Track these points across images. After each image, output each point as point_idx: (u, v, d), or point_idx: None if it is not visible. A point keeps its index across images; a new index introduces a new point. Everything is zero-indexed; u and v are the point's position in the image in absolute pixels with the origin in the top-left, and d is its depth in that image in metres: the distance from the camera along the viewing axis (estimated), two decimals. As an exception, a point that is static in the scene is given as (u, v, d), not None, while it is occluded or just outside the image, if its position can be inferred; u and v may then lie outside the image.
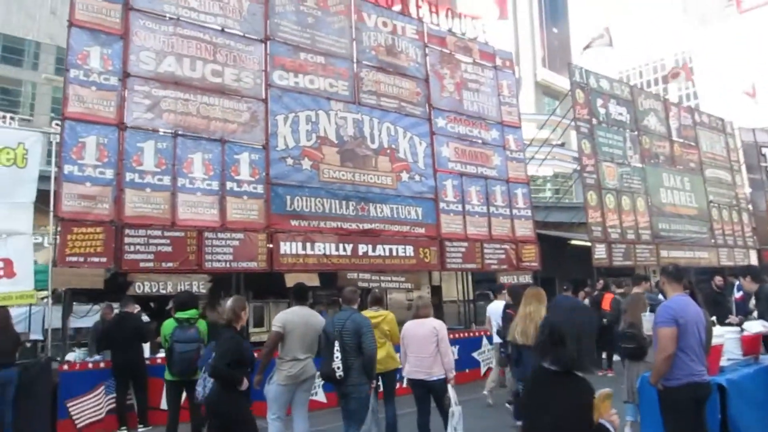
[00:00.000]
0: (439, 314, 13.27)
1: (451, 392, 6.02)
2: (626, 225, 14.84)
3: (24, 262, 7.59)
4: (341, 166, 10.38)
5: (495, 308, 8.68)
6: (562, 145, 24.89)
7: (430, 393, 6.02)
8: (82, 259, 7.69)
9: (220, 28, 9.51)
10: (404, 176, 11.16)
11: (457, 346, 10.18)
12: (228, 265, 8.80)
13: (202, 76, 9.20)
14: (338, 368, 5.65)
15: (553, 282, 14.47)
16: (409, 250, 10.85)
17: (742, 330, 5.97)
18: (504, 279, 12.32)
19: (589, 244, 13.93)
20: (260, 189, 9.37)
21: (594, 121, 14.95)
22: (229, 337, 4.84)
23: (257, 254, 9.08)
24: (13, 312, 7.90)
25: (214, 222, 8.81)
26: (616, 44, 21.51)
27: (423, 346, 6.05)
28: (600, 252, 13.92)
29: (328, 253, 9.80)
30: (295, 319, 5.57)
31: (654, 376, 4.32)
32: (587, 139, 14.59)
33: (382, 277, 10.48)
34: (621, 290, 10.59)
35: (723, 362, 5.36)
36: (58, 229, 7.64)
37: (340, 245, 9.98)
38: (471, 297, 13.13)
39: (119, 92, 8.41)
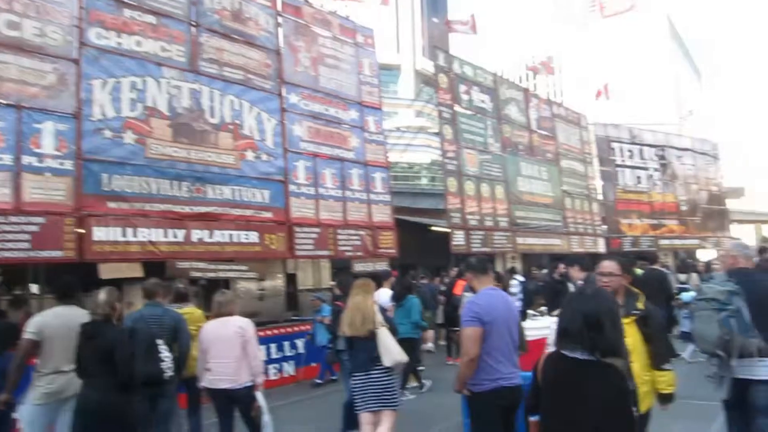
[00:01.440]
0: (293, 305, 12.60)
1: (261, 400, 5.35)
2: (485, 212, 14.97)
3: None
4: (173, 141, 9.22)
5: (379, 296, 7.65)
6: (437, 134, 25.08)
7: (233, 403, 5.28)
8: None
9: (18, -29, 7.95)
10: (249, 155, 10.22)
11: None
12: (24, 254, 7.40)
13: (-8, 27, 7.64)
14: (169, 368, 4.95)
15: (414, 269, 14.31)
16: (253, 236, 9.96)
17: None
18: (360, 266, 11.86)
19: (449, 230, 13.86)
20: (69, 165, 7.99)
21: (456, 107, 14.85)
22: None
23: (63, 241, 7.75)
24: None
25: (5, 203, 7.35)
26: (490, 40, 21.88)
27: (226, 350, 5.28)
28: (458, 239, 13.91)
29: (154, 239, 8.66)
30: (55, 322, 4.56)
31: (458, 382, 3.88)
32: (449, 125, 14.46)
33: (221, 266, 9.56)
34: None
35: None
36: None
37: (170, 231, 8.87)
38: (329, 285, 12.54)
39: None
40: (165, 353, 5.08)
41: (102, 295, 4.88)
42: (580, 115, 20.34)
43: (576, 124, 19.90)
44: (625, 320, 2.98)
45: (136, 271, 8.50)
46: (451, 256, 13.74)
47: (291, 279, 12.96)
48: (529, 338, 5.29)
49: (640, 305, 3.52)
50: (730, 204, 27.37)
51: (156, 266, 8.82)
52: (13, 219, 7.35)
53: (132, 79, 8.88)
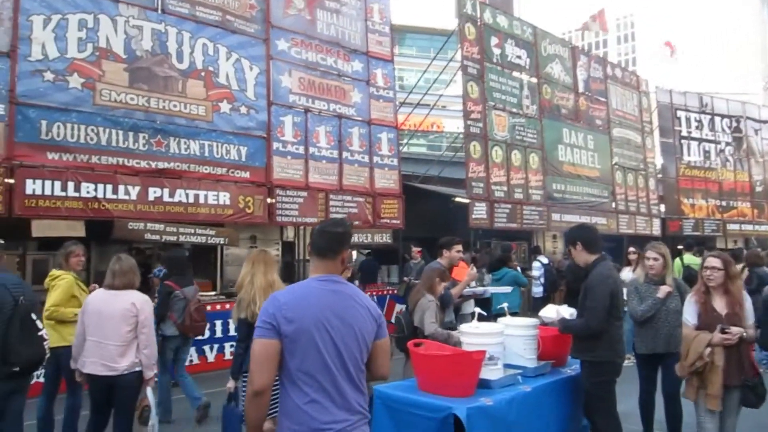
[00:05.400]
0: (291, 277, 11.49)
1: (150, 397, 4.30)
2: (515, 183, 13.26)
3: None
4: (130, 87, 8.21)
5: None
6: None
7: (111, 395, 4.21)
8: None
9: None
10: (224, 107, 9.10)
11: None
12: (-62, 204, 6.66)
13: None
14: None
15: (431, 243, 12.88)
16: (224, 198, 8.90)
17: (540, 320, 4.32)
18: (355, 237, 10.57)
19: (467, 201, 12.30)
20: (0, 109, 7.16)
21: (486, 63, 13.09)
22: None
23: (-11, 194, 6.95)
24: None
25: None
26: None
27: (111, 329, 4.22)
28: (479, 211, 12.32)
29: (100, 196, 7.72)
30: None
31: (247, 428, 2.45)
32: (475, 81, 12.74)
33: (182, 229, 8.53)
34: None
35: (491, 374, 3.66)
36: None
37: (121, 187, 7.91)
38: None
39: None
40: (43, 329, 4.06)
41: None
42: (640, 78, 17.91)
43: (634, 88, 17.52)
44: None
45: (76, 230, 7.60)
46: (471, 231, 12.19)
47: (288, 248, 11.85)
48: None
49: None
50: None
51: (102, 225, 7.94)
52: (-73, 167, 6.58)
53: (81, 17, 7.89)
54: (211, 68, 9.02)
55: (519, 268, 9.66)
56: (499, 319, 4.22)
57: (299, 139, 9.93)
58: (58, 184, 7.41)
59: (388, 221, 11.00)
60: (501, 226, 12.78)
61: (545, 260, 11.34)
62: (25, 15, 7.44)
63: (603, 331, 3.85)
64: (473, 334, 3.78)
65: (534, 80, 14.27)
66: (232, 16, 9.36)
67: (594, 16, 17.08)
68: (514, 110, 13.61)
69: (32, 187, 7.24)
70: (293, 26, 10.13)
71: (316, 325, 2.28)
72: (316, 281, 2.42)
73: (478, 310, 4.28)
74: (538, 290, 11.07)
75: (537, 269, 11.12)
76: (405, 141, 16.70)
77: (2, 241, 4.51)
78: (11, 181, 7.10)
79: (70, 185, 7.51)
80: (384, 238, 11.03)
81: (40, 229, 7.46)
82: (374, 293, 10.68)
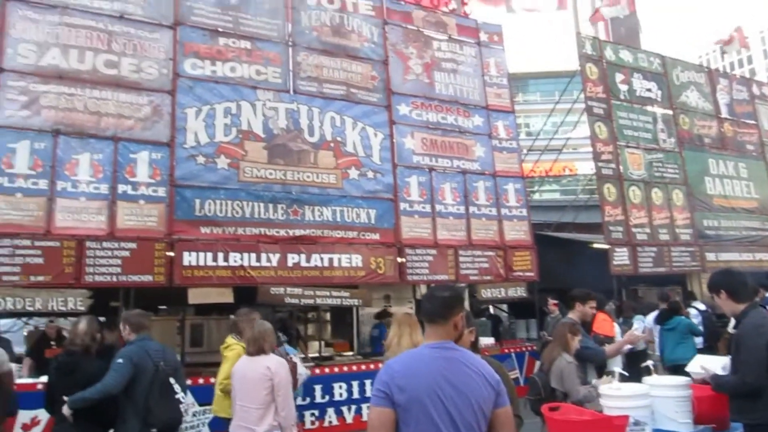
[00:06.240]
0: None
1: None
2: (658, 223, 12.30)
3: None
4: (269, 163, 8.97)
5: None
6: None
7: None
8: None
9: (117, 15, 8.44)
10: (352, 173, 9.57)
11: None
12: (115, 278, 7.62)
13: (93, 68, 8.14)
14: (185, 411, 4.62)
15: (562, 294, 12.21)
16: (357, 260, 9.21)
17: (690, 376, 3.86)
18: (488, 292, 10.36)
19: (606, 246, 11.59)
20: (162, 192, 8.15)
21: (613, 101, 12.57)
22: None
23: (153, 266, 7.84)
24: None
25: (100, 230, 7.67)
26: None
27: (252, 393, 4.53)
28: (621, 257, 11.54)
29: (246, 264, 8.39)
30: None
31: None
32: (602, 121, 12.25)
33: (318, 292, 8.92)
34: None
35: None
36: None
37: (263, 255, 8.54)
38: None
39: (-10, 90, 7.52)
40: (180, 393, 4.50)
41: (81, 324, 4.53)
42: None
43: (791, 107, 15.73)
44: None
45: (226, 296, 8.28)
46: (610, 277, 11.42)
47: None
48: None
49: None
50: None
51: (248, 291, 8.56)
52: (106, 245, 7.62)
53: (226, 105, 8.87)
54: (339, 138, 9.60)
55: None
56: (645, 378, 3.85)
57: (425, 197, 10.11)
58: (210, 255, 8.18)
59: (522, 274, 10.65)
60: (647, 270, 11.84)
61: (702, 306, 10.20)
62: (181, 108, 8.53)
63: (762, 387, 3.31)
64: (615, 397, 3.47)
65: (669, 112, 13.39)
66: (355, 89, 9.97)
67: (731, 36, 15.80)
68: (650, 146, 12.80)
69: (188, 258, 8.05)
70: (413, 90, 10.53)
71: (428, 394, 2.22)
72: (428, 348, 2.37)
73: (618, 369, 3.94)
74: (697, 341, 9.94)
75: (694, 317, 10.02)
76: (536, 188, 16.32)
77: (146, 311, 5.03)
78: (171, 254, 7.96)
79: (220, 255, 8.24)
80: (518, 292, 10.67)
81: (195, 296, 8.23)
82: (512, 350, 10.30)
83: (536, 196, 14.60)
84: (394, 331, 4.61)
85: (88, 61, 8.15)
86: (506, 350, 10.26)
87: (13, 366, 5.78)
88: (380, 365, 4.27)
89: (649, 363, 4.01)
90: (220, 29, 9.11)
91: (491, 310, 14.59)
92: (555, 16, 39.94)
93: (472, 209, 10.53)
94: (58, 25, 8.08)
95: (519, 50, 20.83)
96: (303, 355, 8.47)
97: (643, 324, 9.10)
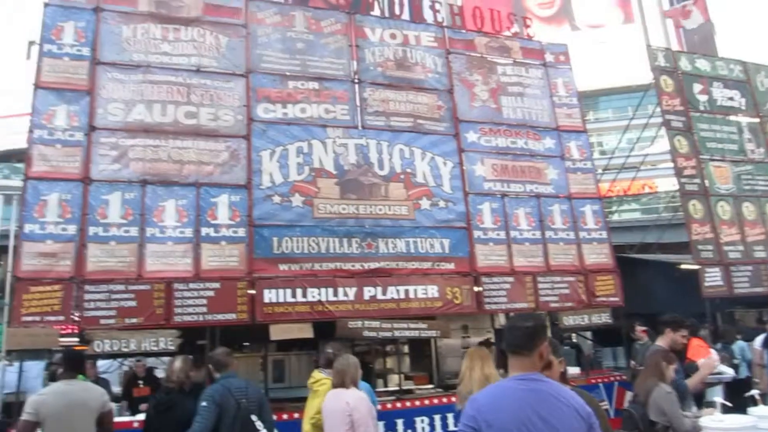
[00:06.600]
0: (503, 364, 11.17)
1: None
2: (752, 240, 11.50)
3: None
4: (341, 198, 9.13)
5: None
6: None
7: None
8: (38, 318, 7.31)
9: (194, 69, 8.97)
10: (424, 203, 9.57)
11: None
12: (201, 318, 7.91)
13: (175, 120, 8.64)
14: None
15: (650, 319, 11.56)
16: (433, 291, 9.14)
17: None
18: (570, 320, 9.98)
19: (695, 267, 10.93)
20: (241, 232, 8.46)
21: (692, 113, 11.99)
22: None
23: (236, 304, 8.11)
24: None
25: (187, 272, 8.03)
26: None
27: (336, 427, 4.58)
28: (713, 277, 10.83)
29: (323, 299, 8.51)
30: (54, 401, 4.35)
31: None
32: (682, 135, 11.69)
33: (395, 325, 8.89)
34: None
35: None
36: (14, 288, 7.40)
37: (340, 289, 8.64)
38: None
39: (84, 147, 8.12)
40: (263, 430, 4.60)
41: (177, 363, 4.71)
42: None
43: None
44: None
45: (306, 331, 8.42)
46: (701, 300, 10.72)
47: (502, 335, 11.58)
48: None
49: None
50: None
51: (327, 325, 8.65)
52: (193, 285, 7.96)
53: (298, 145, 9.15)
54: (408, 170, 9.66)
55: None
56: (750, 409, 3.56)
57: (499, 224, 9.94)
58: (288, 291, 8.36)
59: (605, 299, 10.19)
60: (743, 291, 11.04)
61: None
62: (256, 152, 8.87)
63: None
64: (718, 429, 3.23)
65: (755, 120, 12.61)
66: (422, 119, 10.04)
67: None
68: (737, 158, 12.07)
69: (269, 295, 8.25)
70: (480, 117, 10.48)
71: (518, 428, 2.18)
72: (513, 381, 2.34)
73: (719, 399, 3.67)
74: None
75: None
76: (614, 208, 15.70)
77: (231, 348, 5.17)
78: (253, 291, 8.21)
79: (299, 291, 8.40)
80: (602, 318, 10.19)
81: (276, 332, 8.40)
82: (600, 381, 9.80)
83: (615, 217, 14.00)
84: (466, 363, 4.75)
85: (170, 114, 8.66)
86: (593, 380, 9.79)
87: (113, 405, 6.10)
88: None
89: (755, 392, 3.71)
90: (288, 73, 9.47)
91: (573, 338, 14.03)
92: (622, 31, 38.99)
93: (548, 234, 10.24)
94: (142, 83, 8.66)
95: (587, 68, 20.42)
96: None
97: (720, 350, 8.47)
